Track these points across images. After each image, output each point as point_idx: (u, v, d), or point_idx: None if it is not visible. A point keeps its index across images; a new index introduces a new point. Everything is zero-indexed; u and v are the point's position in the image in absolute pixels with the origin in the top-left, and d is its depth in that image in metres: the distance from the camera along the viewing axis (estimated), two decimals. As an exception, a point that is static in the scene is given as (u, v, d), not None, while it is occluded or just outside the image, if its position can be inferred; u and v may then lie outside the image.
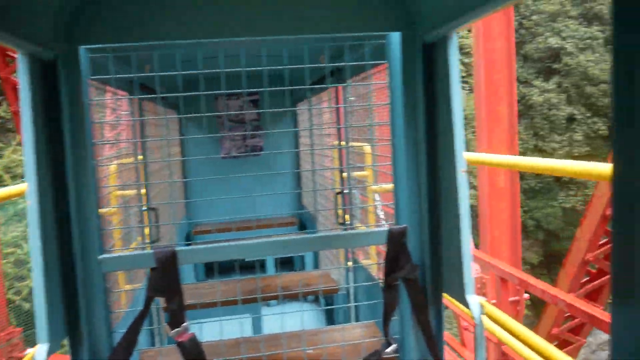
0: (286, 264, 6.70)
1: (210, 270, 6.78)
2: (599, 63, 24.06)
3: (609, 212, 4.63)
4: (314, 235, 3.05)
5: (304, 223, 6.91)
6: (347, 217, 4.57)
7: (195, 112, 3.08)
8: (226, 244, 2.32)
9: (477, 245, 7.45)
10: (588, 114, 24.52)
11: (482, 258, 6.44)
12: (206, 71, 2.62)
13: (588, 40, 24.13)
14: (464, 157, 2.05)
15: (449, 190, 2.13)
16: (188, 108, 3.26)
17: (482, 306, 2.14)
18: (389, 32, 2.40)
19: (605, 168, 2.24)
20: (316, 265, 6.60)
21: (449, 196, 2.14)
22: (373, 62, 2.74)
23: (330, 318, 5.61)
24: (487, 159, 4.04)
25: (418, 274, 2.32)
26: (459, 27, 1.90)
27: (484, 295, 6.65)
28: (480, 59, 7.20)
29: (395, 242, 2.27)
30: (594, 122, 24.28)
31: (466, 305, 2.11)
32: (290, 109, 6.61)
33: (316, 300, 6.07)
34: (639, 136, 0.83)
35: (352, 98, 4.34)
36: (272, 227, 5.87)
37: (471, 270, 2.11)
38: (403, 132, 2.35)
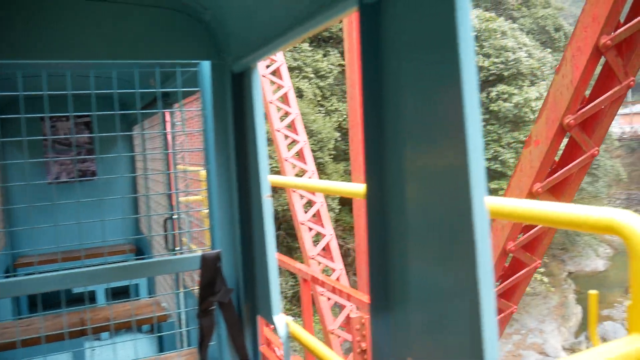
0: (121, 293, 5.94)
1: (35, 305, 5.98)
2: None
3: (510, 246, 4.15)
4: (125, 264, 2.78)
5: (141, 250, 6.43)
6: (184, 241, 4.49)
7: (19, 134, 2.84)
8: (27, 277, 2.23)
9: (354, 282, 6.73)
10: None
11: (359, 298, 5.68)
12: (2, 94, 2.63)
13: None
14: (268, 181, 2.09)
15: (258, 215, 2.16)
16: (8, 130, 2.91)
17: (287, 325, 2.17)
18: (200, 61, 2.45)
19: (361, 188, 2.44)
20: (152, 293, 6.22)
21: (258, 220, 2.16)
22: (186, 89, 2.74)
23: (164, 346, 5.22)
24: (286, 181, 4.28)
25: (232, 297, 2.37)
26: (261, 58, 1.98)
27: (363, 336, 5.96)
28: (353, 76, 6.75)
29: (210, 266, 2.31)
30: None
31: (274, 325, 2.14)
32: (120, 133, 5.95)
33: (152, 330, 5.57)
34: (382, 166, 1.08)
35: (179, 123, 4.32)
36: (108, 256, 5.35)
37: (278, 292, 2.14)
38: (215, 158, 2.38)
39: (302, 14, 1.40)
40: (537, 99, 26.26)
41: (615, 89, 3.66)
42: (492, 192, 27.11)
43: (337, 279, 7.51)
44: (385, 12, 1.04)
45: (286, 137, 8.70)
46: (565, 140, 3.93)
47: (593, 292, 1.47)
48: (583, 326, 33.16)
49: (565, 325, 32.81)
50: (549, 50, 30.75)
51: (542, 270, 29.10)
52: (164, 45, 2.23)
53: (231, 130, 2.30)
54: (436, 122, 0.92)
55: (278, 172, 19.81)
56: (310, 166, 8.52)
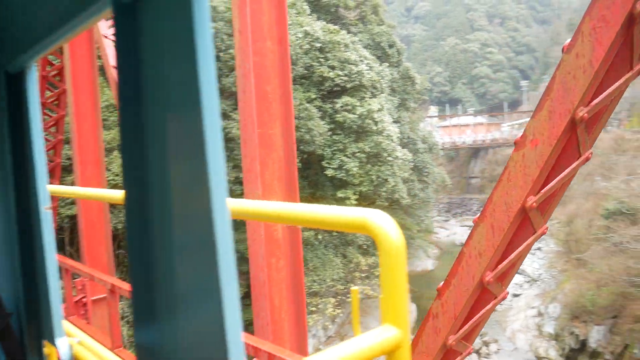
0: None
1: None
2: (302, 103, 24.90)
3: (488, 277, 3.20)
4: None
5: None
6: None
7: None
8: None
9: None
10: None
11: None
12: None
13: (279, 78, 24.69)
14: (47, 192, 1.94)
15: (38, 229, 1.99)
16: None
17: (71, 347, 2.03)
18: None
19: (119, 194, 2.39)
20: None
21: (38, 235, 2.00)
22: None
23: None
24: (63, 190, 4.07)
25: (12, 322, 2.15)
26: (35, 59, 1.90)
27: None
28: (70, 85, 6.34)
29: None
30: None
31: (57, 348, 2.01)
32: None
33: None
34: (141, 172, 1.06)
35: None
36: None
37: (60, 312, 1.99)
38: None
39: (64, 14, 1.36)
40: (378, 110, 26.99)
41: (628, 75, 2.91)
42: (339, 201, 27.27)
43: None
44: (143, 13, 1.00)
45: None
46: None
47: (355, 288, 1.42)
48: (418, 323, 35.12)
49: (403, 324, 34.44)
50: (387, 64, 32.01)
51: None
52: None
53: (7, 137, 2.09)
54: (184, 129, 0.93)
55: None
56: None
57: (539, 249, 43.16)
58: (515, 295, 36.14)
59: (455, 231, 54.88)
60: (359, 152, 26.40)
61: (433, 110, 78.06)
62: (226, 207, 0.89)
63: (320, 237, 26.45)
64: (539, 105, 2.92)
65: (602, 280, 28.41)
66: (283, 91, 4.90)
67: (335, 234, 27.89)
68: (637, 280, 25.63)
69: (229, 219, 0.90)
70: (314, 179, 28.16)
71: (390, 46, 36.13)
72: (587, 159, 3.10)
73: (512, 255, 3.19)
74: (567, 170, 3.05)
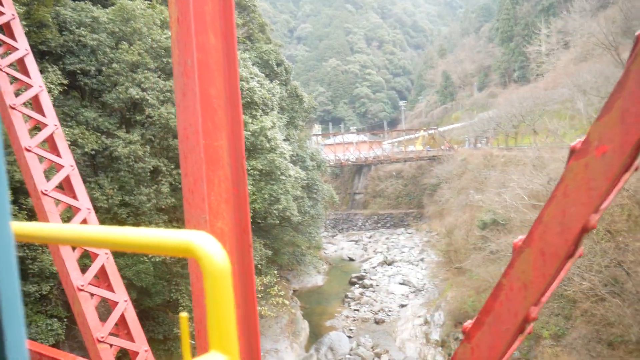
0: None
1: None
2: (179, 116, 23.38)
3: (533, 313, 2.59)
4: None
5: None
6: None
7: None
8: None
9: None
10: (172, 166, 23.40)
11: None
12: None
13: (168, 93, 23.15)
14: None
15: None
16: None
17: None
18: None
19: None
20: None
21: None
22: None
23: None
24: None
25: None
26: None
27: None
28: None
29: None
30: (178, 174, 23.29)
31: None
32: None
33: None
34: None
35: None
36: None
37: None
38: None
39: None
40: (271, 127, 26.42)
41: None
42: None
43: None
44: None
45: (41, 158, 5.64)
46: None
47: (184, 315, 1.29)
48: (311, 339, 34.76)
49: (296, 342, 33.90)
50: (276, 82, 31.64)
51: (282, 293, 29.30)
52: None
53: None
54: None
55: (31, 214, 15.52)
56: (84, 201, 5.60)
57: (422, 259, 44.95)
58: (403, 306, 37.10)
59: (342, 246, 55.66)
60: (252, 169, 25.57)
61: (317, 128, 79.48)
62: (9, 233, 0.84)
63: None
64: (606, 106, 2.41)
65: (482, 286, 29.93)
66: (230, 96, 4.03)
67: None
68: (514, 285, 27.28)
69: (12, 246, 0.84)
70: (206, 198, 26.83)
71: (279, 64, 35.88)
72: (637, 169, 2.69)
73: (554, 285, 2.68)
74: (621, 183, 2.61)
